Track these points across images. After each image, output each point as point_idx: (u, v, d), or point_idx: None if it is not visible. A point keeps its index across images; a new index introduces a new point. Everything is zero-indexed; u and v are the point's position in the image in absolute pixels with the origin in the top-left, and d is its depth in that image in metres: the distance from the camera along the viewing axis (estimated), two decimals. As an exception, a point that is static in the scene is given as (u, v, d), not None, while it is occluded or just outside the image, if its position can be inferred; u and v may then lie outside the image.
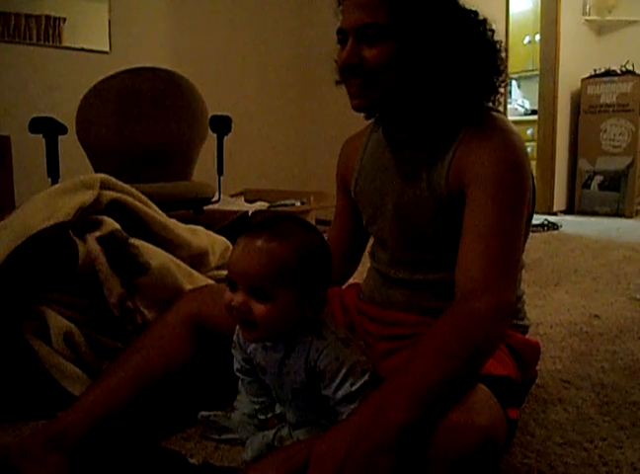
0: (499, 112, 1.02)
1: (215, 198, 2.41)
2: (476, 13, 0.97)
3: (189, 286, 1.21)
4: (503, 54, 0.98)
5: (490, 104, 1.01)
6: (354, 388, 0.85)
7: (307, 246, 0.86)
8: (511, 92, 5.77)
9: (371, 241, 1.18)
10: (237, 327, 0.96)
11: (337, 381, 0.85)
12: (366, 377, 0.86)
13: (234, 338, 0.97)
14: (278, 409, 0.98)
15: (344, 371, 0.85)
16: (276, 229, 0.85)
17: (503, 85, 1.00)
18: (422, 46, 0.92)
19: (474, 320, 0.84)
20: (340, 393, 0.85)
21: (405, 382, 0.76)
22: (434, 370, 0.77)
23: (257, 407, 0.99)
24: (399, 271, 1.07)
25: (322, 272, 0.89)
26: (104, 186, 1.27)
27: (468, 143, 0.96)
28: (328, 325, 0.90)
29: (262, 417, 0.99)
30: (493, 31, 0.98)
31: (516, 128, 0.99)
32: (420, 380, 0.76)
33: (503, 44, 0.99)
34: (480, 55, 0.95)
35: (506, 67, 0.98)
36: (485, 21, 0.97)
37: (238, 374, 1.00)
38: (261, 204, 2.96)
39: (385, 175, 1.07)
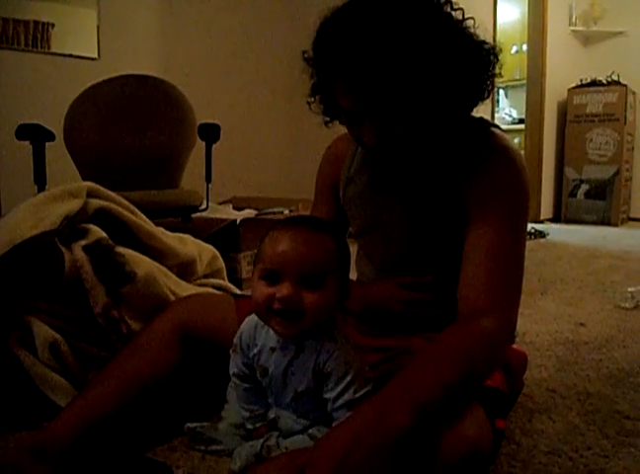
0: (496, 126, 1.02)
1: (203, 206, 2.40)
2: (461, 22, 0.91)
3: (174, 296, 1.21)
4: (493, 58, 0.93)
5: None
6: (356, 396, 0.85)
7: (339, 237, 0.89)
8: (498, 101, 5.83)
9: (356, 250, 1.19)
10: (241, 328, 0.96)
11: (342, 386, 0.86)
12: (369, 387, 0.86)
13: (235, 341, 0.97)
14: (271, 414, 0.97)
15: (350, 377, 0.85)
16: (311, 223, 0.89)
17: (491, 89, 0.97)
18: (423, 103, 0.89)
19: (480, 339, 0.85)
20: (343, 399, 0.86)
21: (408, 389, 0.76)
22: (437, 382, 0.77)
23: (247, 415, 0.98)
24: None
25: (349, 262, 0.92)
26: (90, 194, 1.27)
27: (471, 164, 0.96)
28: (340, 329, 0.91)
29: (250, 427, 0.98)
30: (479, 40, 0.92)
31: (515, 145, 1.01)
32: (422, 389, 0.76)
33: (493, 49, 0.93)
34: (472, 76, 0.91)
35: (494, 73, 0.94)
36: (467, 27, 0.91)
37: (234, 379, 0.99)
38: (249, 212, 2.95)
39: (380, 191, 1.07)
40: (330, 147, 1.20)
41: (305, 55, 0.96)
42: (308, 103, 1.02)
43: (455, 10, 0.90)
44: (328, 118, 1.05)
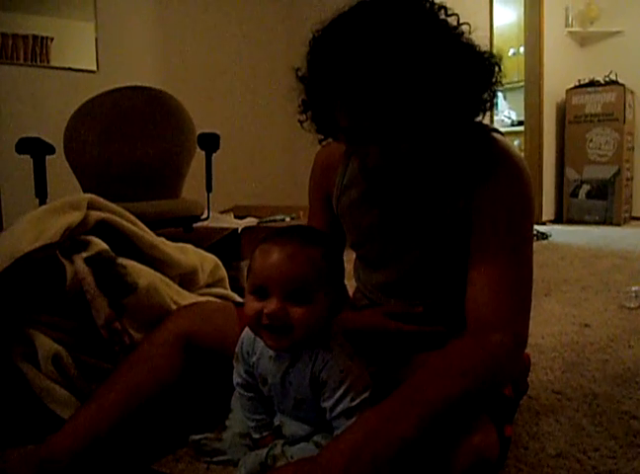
0: (497, 131, 1.00)
1: (205, 216, 2.40)
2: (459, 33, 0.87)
3: (177, 306, 1.21)
4: (495, 68, 0.90)
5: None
6: (353, 404, 0.84)
7: (331, 249, 0.89)
8: (497, 104, 5.81)
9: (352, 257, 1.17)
10: (241, 337, 0.96)
11: (338, 394, 0.85)
12: (367, 394, 0.86)
13: (236, 350, 0.97)
14: (276, 421, 0.97)
15: (346, 385, 0.85)
16: (302, 236, 0.87)
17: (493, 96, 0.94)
18: (431, 122, 0.86)
19: (490, 353, 0.84)
20: (340, 407, 0.85)
21: (413, 400, 0.76)
22: (444, 394, 0.77)
23: (252, 425, 0.98)
24: (388, 298, 1.08)
25: (342, 274, 0.91)
26: (91, 206, 1.27)
27: (474, 173, 0.94)
28: (335, 337, 0.90)
29: (256, 436, 0.98)
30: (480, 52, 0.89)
31: (517, 150, 0.98)
32: (428, 401, 0.75)
33: (494, 57, 0.90)
34: (474, 87, 0.88)
35: (497, 82, 0.91)
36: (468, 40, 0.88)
37: (238, 389, 0.99)
38: (250, 220, 2.95)
39: (377, 202, 1.04)
40: (320, 153, 1.17)
41: (299, 73, 0.92)
42: (300, 121, 0.98)
43: (450, 16, 0.87)
44: (322, 137, 1.02)
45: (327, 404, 0.87)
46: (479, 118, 0.96)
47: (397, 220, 1.02)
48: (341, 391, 0.85)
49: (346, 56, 0.80)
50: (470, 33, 0.88)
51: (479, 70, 0.88)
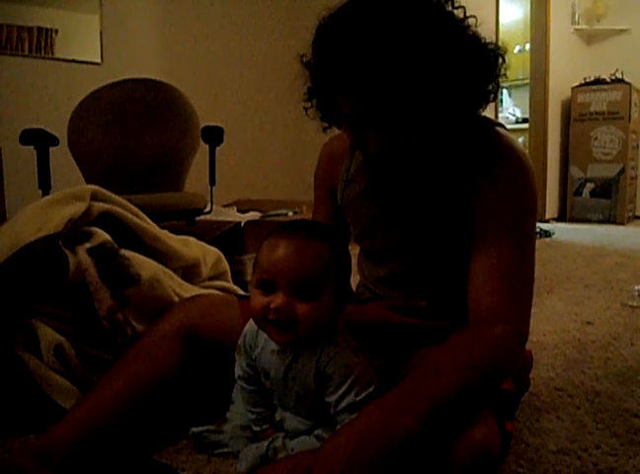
0: (501, 125, 1.00)
1: (207, 209, 2.40)
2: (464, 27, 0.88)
3: (179, 298, 1.21)
4: (499, 60, 0.90)
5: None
6: (358, 398, 0.84)
7: (338, 244, 0.88)
8: (502, 101, 5.81)
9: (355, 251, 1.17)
10: (244, 330, 0.96)
11: (343, 389, 0.85)
12: (371, 389, 0.86)
13: (239, 342, 0.97)
14: (277, 416, 0.97)
15: (351, 380, 0.85)
16: (309, 230, 0.87)
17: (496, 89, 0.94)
18: (428, 110, 0.86)
19: (491, 346, 0.84)
20: (344, 402, 0.85)
21: (416, 393, 0.75)
22: (446, 388, 0.76)
23: (253, 417, 0.98)
24: (391, 291, 1.07)
25: (348, 269, 0.90)
26: (94, 197, 1.27)
27: (477, 166, 0.94)
28: (340, 332, 0.90)
29: (257, 428, 0.98)
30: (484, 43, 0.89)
31: (521, 145, 0.98)
32: (431, 395, 0.75)
33: (499, 50, 0.90)
34: (477, 78, 0.88)
35: (500, 74, 0.91)
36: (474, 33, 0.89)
37: (240, 382, 0.99)
38: (253, 215, 2.94)
39: (380, 194, 1.05)
40: (326, 146, 1.18)
41: (303, 59, 0.93)
42: (305, 108, 0.99)
43: (456, 8, 0.88)
44: (326, 124, 1.02)
45: (331, 399, 0.87)
46: (482, 112, 0.96)
47: (399, 212, 1.02)
48: (345, 386, 0.85)
49: (350, 43, 0.81)
50: (476, 26, 0.88)
51: (483, 62, 0.88)
